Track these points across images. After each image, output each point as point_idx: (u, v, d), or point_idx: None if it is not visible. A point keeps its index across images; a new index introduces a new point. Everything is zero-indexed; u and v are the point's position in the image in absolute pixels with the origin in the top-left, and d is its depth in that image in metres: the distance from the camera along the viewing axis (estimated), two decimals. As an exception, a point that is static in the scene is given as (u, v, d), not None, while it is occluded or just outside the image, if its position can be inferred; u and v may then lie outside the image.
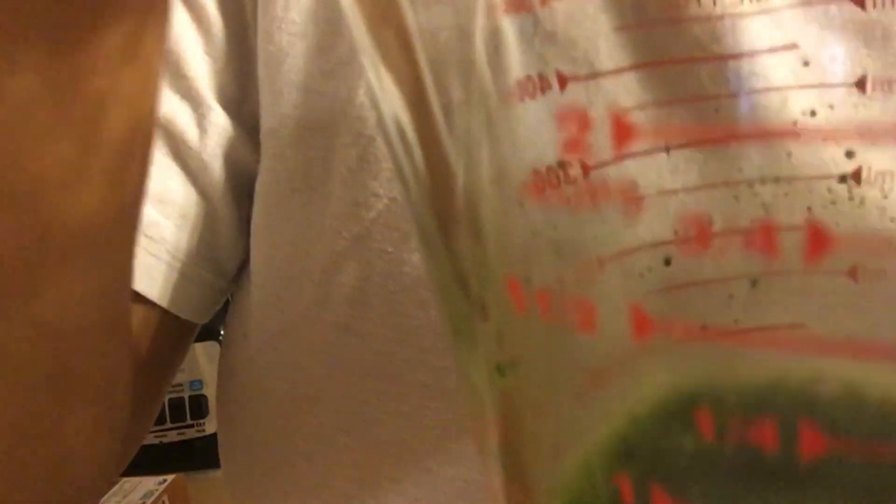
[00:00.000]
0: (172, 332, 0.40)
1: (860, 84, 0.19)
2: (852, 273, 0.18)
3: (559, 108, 0.17)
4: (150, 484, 1.03)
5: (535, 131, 0.17)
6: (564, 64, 0.20)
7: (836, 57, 0.20)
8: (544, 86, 0.18)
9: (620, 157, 0.17)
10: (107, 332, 0.30)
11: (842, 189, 0.19)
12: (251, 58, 0.38)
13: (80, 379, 0.29)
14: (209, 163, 0.39)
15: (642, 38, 0.19)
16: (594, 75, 0.19)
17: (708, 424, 0.14)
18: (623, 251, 0.18)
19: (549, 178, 0.16)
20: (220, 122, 0.39)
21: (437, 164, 0.16)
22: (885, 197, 0.19)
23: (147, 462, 1.11)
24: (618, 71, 0.19)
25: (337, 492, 0.37)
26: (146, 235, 0.38)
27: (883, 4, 0.20)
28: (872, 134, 0.19)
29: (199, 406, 1.17)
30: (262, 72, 0.37)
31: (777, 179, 0.19)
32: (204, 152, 0.39)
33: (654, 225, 0.18)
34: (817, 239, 0.13)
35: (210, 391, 1.16)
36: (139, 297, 0.38)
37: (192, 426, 1.17)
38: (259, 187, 0.38)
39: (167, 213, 0.38)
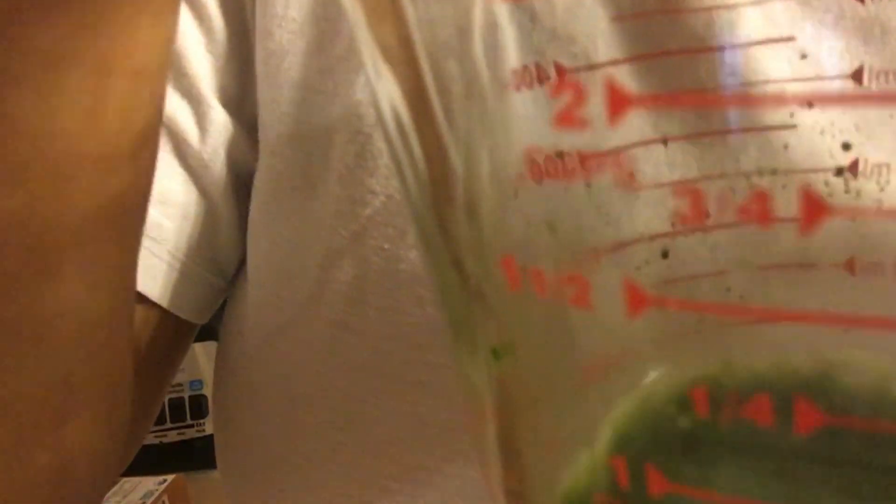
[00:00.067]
0: (172, 332, 0.40)
1: (857, 76, 0.19)
2: (849, 265, 0.18)
3: (556, 83, 0.17)
4: (150, 484, 1.03)
5: (530, 120, 0.17)
6: (563, 56, 0.20)
7: (834, 50, 0.20)
8: (542, 76, 0.18)
9: (616, 149, 0.17)
10: (114, 328, 0.30)
11: (838, 182, 0.19)
12: (251, 56, 0.38)
13: (81, 385, 0.29)
14: (210, 162, 0.39)
15: (638, 29, 0.19)
16: (592, 67, 0.19)
17: (703, 403, 0.14)
18: (619, 243, 0.18)
19: (546, 168, 0.16)
20: (220, 121, 0.39)
21: (436, 158, 0.16)
22: (882, 189, 0.19)
23: (147, 462, 1.11)
24: (614, 63, 0.19)
25: (334, 490, 0.37)
26: (148, 236, 0.38)
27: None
28: (869, 126, 0.19)
29: (199, 406, 1.17)
30: (260, 69, 0.37)
31: (774, 171, 0.19)
32: (205, 151, 0.39)
33: (651, 217, 0.18)
34: (812, 209, 0.13)
35: (210, 391, 1.16)
36: (140, 297, 0.38)
37: (192, 426, 1.17)
38: (257, 184, 0.38)
39: (168, 214, 0.38)
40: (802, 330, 0.15)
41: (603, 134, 0.15)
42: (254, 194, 0.39)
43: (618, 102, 0.14)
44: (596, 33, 0.20)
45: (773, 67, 0.19)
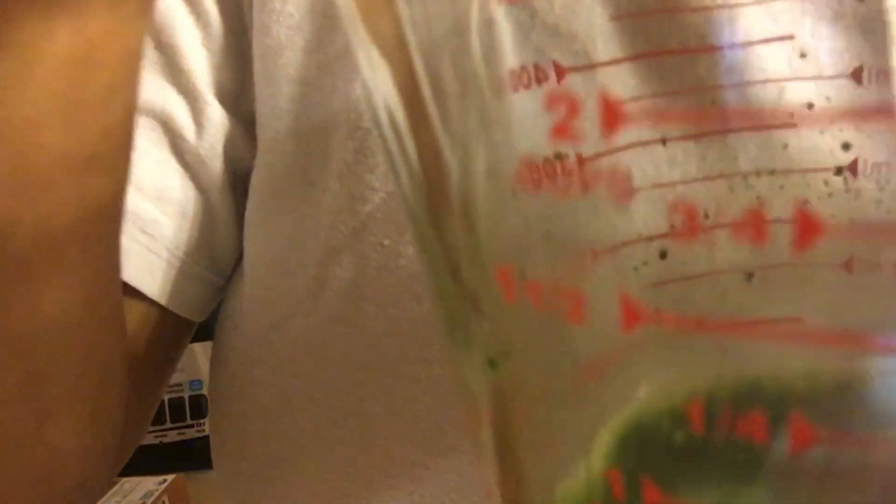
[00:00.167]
0: (171, 329, 0.40)
1: (856, 74, 0.19)
2: (848, 265, 0.18)
3: (551, 92, 0.17)
4: (150, 484, 1.03)
5: (528, 122, 0.17)
6: (562, 55, 0.20)
7: (833, 48, 0.20)
8: (540, 76, 0.18)
9: (614, 149, 0.17)
10: (96, 330, 0.30)
11: (838, 181, 0.19)
12: (249, 53, 0.38)
13: (61, 383, 0.29)
14: (207, 158, 0.39)
15: (638, 28, 0.19)
16: (591, 66, 0.19)
17: (699, 418, 0.14)
18: (618, 244, 0.18)
19: (544, 169, 0.16)
20: (217, 117, 0.39)
21: (430, 157, 0.16)
22: (882, 189, 0.19)
23: (147, 462, 1.10)
24: (614, 62, 0.19)
25: (330, 486, 0.37)
26: (146, 233, 0.38)
27: (879, -4, 0.20)
28: (869, 125, 0.19)
29: (199, 406, 1.17)
30: (258, 65, 0.37)
31: (773, 171, 0.19)
32: (202, 148, 0.39)
33: (649, 217, 0.18)
34: (807, 228, 0.13)
35: (210, 391, 1.16)
36: (138, 295, 0.38)
37: (192, 426, 1.17)
38: (254, 181, 0.38)
39: (166, 211, 0.38)
40: (798, 345, 0.15)
41: (599, 141, 0.15)
42: (251, 191, 0.39)
43: (612, 117, 0.14)
44: (595, 31, 0.20)
45: (773, 66, 0.19)
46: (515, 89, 0.17)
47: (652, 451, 0.15)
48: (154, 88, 0.38)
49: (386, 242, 0.34)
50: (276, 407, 0.38)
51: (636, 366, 0.16)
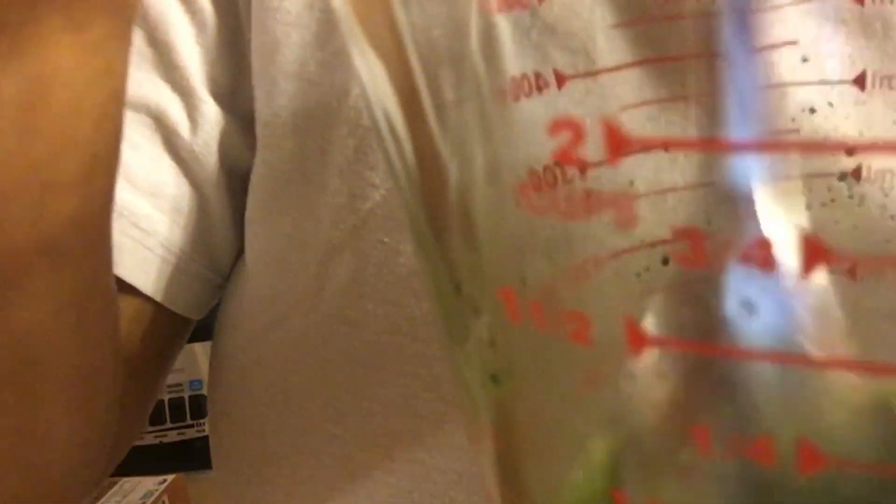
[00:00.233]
0: (167, 326, 0.40)
1: (859, 81, 0.19)
2: (851, 272, 0.17)
3: (553, 114, 0.17)
4: (150, 484, 1.03)
5: (530, 130, 0.17)
6: (562, 56, 0.20)
7: (835, 53, 0.20)
8: (541, 84, 0.17)
9: (622, 157, 0.17)
10: (80, 329, 0.30)
11: (841, 187, 0.19)
12: (245, 49, 0.38)
13: (49, 373, 0.30)
14: (202, 155, 0.39)
15: (640, 34, 0.19)
16: (592, 73, 0.18)
17: (705, 440, 0.14)
18: (620, 250, 0.18)
19: (546, 178, 0.16)
20: (212, 114, 0.39)
21: (428, 161, 0.16)
22: (886, 195, 0.19)
23: (147, 462, 1.10)
24: (616, 69, 0.19)
25: (327, 484, 0.37)
26: (139, 228, 0.38)
27: (882, 0, 0.20)
28: (873, 131, 0.19)
29: (199, 406, 1.17)
30: (256, 62, 0.37)
31: (777, 177, 0.19)
32: (196, 144, 0.38)
33: (651, 224, 0.18)
34: (814, 253, 0.12)
35: (210, 391, 1.15)
36: (132, 290, 0.38)
37: (192, 426, 1.17)
38: (254, 179, 0.38)
39: (160, 206, 0.38)
40: (805, 369, 0.15)
41: (603, 162, 0.14)
42: (251, 189, 0.38)
43: (617, 145, 0.14)
44: (597, 38, 0.20)
45: (776, 72, 0.19)
46: (517, 98, 0.16)
47: (657, 471, 0.15)
48: (148, 85, 0.38)
49: (386, 240, 0.34)
50: (275, 405, 0.38)
51: (638, 385, 0.16)
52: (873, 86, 0.19)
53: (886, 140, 0.15)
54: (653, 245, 0.18)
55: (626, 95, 0.19)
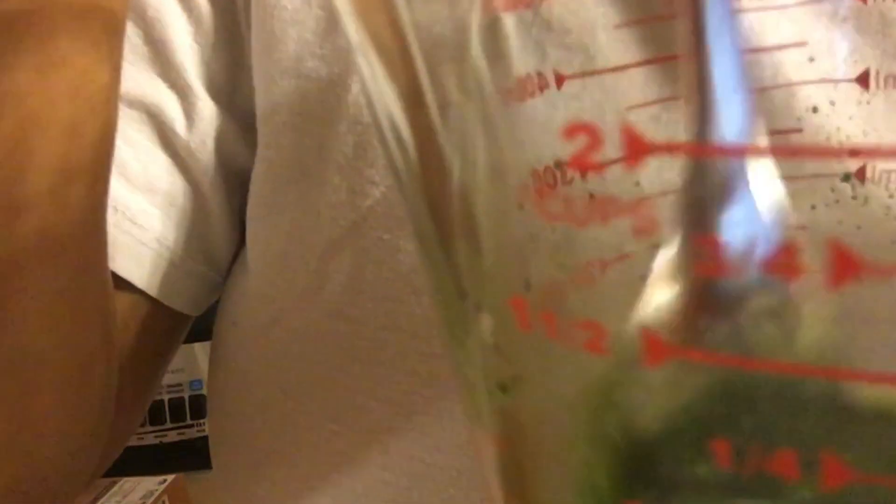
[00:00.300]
0: (163, 322, 0.40)
1: (862, 80, 0.19)
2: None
3: (564, 113, 0.16)
4: (150, 484, 1.03)
5: (535, 132, 0.17)
6: (558, 54, 0.20)
7: (839, 52, 0.20)
8: (542, 84, 0.17)
9: (621, 159, 0.16)
10: (75, 319, 0.30)
11: (845, 188, 0.19)
12: (242, 47, 0.38)
13: (44, 362, 0.30)
14: (198, 152, 0.39)
15: (644, 34, 0.19)
16: (592, 73, 0.18)
17: (724, 453, 0.14)
18: (625, 253, 0.17)
19: (548, 180, 0.16)
20: (208, 111, 0.39)
21: (432, 161, 0.16)
22: (891, 196, 0.19)
23: (147, 462, 1.10)
24: (619, 69, 0.19)
25: (326, 480, 0.37)
26: (134, 223, 0.38)
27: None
28: (878, 132, 0.19)
29: (199, 406, 1.17)
30: (254, 60, 0.37)
31: (781, 178, 0.18)
32: (192, 141, 0.39)
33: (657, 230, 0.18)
34: (844, 263, 0.12)
35: (210, 391, 1.15)
36: (128, 286, 0.38)
37: (192, 426, 1.17)
38: (254, 176, 0.38)
39: (155, 202, 0.38)
40: (828, 380, 0.14)
41: (619, 169, 0.14)
42: (252, 186, 0.38)
43: (636, 150, 0.13)
44: (599, 36, 0.20)
45: (782, 71, 0.19)
46: (522, 98, 0.16)
47: (672, 484, 0.15)
48: (145, 82, 0.38)
49: (385, 237, 0.34)
50: (273, 401, 0.38)
51: (653, 395, 0.15)
52: (877, 85, 0.19)
53: (891, 145, 0.14)
54: (656, 247, 0.18)
55: (629, 95, 0.19)
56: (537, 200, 0.16)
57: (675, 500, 0.15)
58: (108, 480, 1.01)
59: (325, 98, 0.35)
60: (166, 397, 1.17)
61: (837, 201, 0.19)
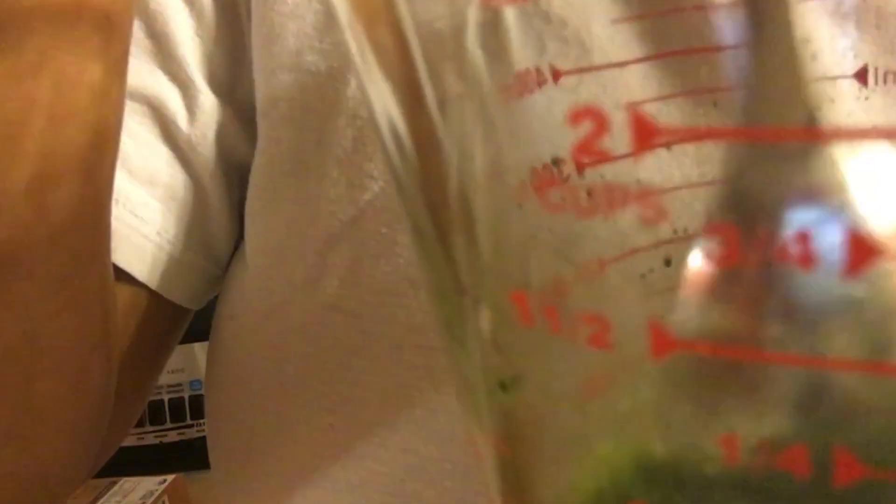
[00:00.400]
0: (163, 315, 0.40)
1: (861, 76, 0.19)
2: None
3: (567, 105, 0.16)
4: (150, 484, 1.03)
5: (535, 128, 0.17)
6: (556, 47, 0.20)
7: (839, 48, 0.20)
8: (540, 80, 0.17)
9: (618, 157, 0.16)
10: (76, 306, 0.30)
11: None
12: (243, 41, 0.38)
13: (45, 347, 0.30)
14: (198, 145, 0.39)
15: (642, 29, 0.19)
16: (590, 68, 0.18)
17: (734, 450, 0.13)
18: (624, 253, 0.17)
19: (546, 177, 0.16)
20: (209, 104, 0.39)
21: (429, 158, 0.16)
22: (891, 193, 0.19)
23: (147, 462, 1.10)
24: (618, 65, 0.18)
25: (322, 473, 0.37)
26: (135, 215, 0.38)
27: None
28: (876, 129, 0.18)
29: (199, 406, 1.17)
30: (255, 54, 0.37)
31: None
32: (193, 135, 0.39)
33: (660, 224, 0.18)
34: (863, 249, 0.12)
35: (210, 391, 1.15)
36: (129, 278, 0.38)
37: (192, 426, 1.17)
38: (253, 170, 0.38)
39: (156, 195, 0.38)
40: (836, 372, 0.14)
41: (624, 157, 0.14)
42: (251, 180, 0.39)
43: (646, 135, 0.13)
44: (598, 32, 0.20)
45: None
46: (521, 94, 0.16)
47: (679, 482, 0.15)
48: (146, 74, 0.38)
49: (384, 230, 0.34)
50: (270, 394, 0.38)
51: (657, 390, 0.15)
52: (875, 81, 0.19)
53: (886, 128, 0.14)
54: (656, 246, 0.18)
55: (628, 91, 0.19)
56: (537, 198, 0.16)
57: (682, 500, 0.15)
58: (108, 480, 1.01)
59: (324, 92, 0.35)
60: (166, 397, 1.17)
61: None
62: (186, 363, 1.16)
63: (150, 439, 1.17)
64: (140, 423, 1.16)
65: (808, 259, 0.13)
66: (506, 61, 0.17)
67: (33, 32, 0.25)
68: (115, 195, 0.34)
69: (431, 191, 0.16)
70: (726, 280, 0.15)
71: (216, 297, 0.43)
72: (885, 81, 0.19)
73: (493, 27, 0.17)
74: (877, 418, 0.14)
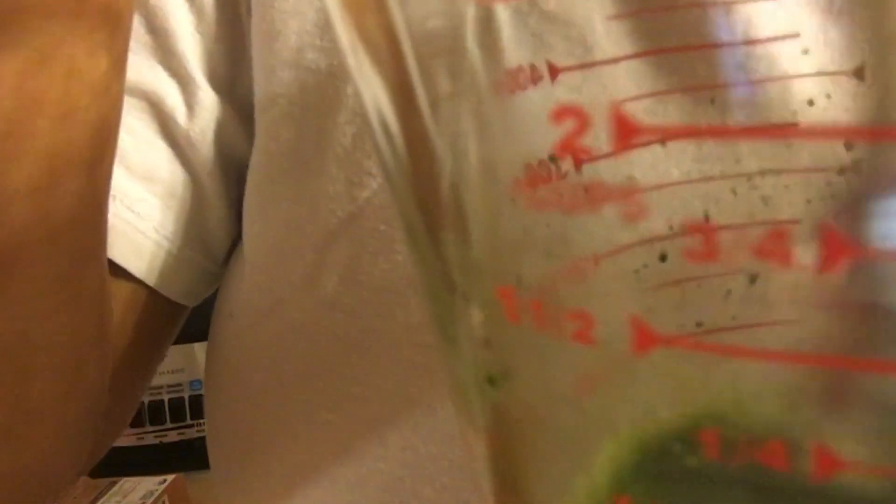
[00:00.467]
0: (159, 312, 0.40)
1: (858, 72, 0.19)
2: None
3: (555, 103, 0.16)
4: (150, 484, 1.03)
5: (527, 124, 0.17)
6: (562, 45, 0.20)
7: (835, 43, 0.19)
8: (535, 77, 0.17)
9: (613, 153, 0.16)
10: (72, 304, 0.30)
11: (841, 182, 0.19)
12: (244, 38, 0.38)
13: (41, 346, 0.30)
14: (197, 142, 0.39)
15: (638, 25, 0.19)
16: (587, 65, 0.18)
17: (713, 445, 0.13)
18: (619, 247, 0.17)
19: (542, 173, 0.16)
20: (209, 101, 0.39)
21: (421, 155, 0.16)
22: (887, 189, 0.19)
23: (147, 462, 1.10)
24: (613, 61, 0.18)
25: (321, 471, 0.37)
26: (133, 211, 0.38)
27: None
28: (872, 124, 0.18)
29: (199, 406, 1.17)
30: (255, 51, 0.37)
31: (776, 172, 0.18)
32: (192, 131, 0.39)
33: (649, 220, 0.18)
34: (836, 247, 0.12)
35: (210, 391, 1.15)
36: (126, 275, 0.38)
37: (192, 426, 1.17)
38: (252, 167, 0.38)
39: (154, 191, 0.38)
40: (816, 369, 0.14)
41: (606, 152, 0.14)
42: (249, 177, 0.39)
43: (626, 133, 0.13)
44: (596, 28, 0.19)
45: (776, 64, 0.19)
46: (513, 91, 0.16)
47: (662, 476, 0.15)
48: (146, 70, 0.38)
49: (383, 228, 0.34)
50: (269, 392, 0.38)
51: (643, 386, 0.15)
52: (873, 78, 0.19)
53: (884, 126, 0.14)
54: (651, 241, 0.18)
55: (623, 88, 0.19)
56: (535, 192, 0.16)
57: (666, 493, 0.15)
58: (107, 480, 1.01)
59: (324, 89, 0.35)
60: (166, 397, 1.17)
61: (833, 196, 0.19)
62: (186, 363, 1.15)
63: (150, 439, 1.16)
64: (140, 423, 1.16)
65: (783, 256, 0.13)
66: (501, 58, 0.17)
67: (40, 25, 0.25)
68: (112, 191, 0.34)
69: (422, 187, 0.16)
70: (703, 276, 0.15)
71: (215, 296, 0.43)
72: (880, 77, 0.19)
73: (486, 24, 0.17)
74: (856, 414, 0.15)
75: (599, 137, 0.14)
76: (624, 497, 0.15)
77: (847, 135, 0.18)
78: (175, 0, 0.38)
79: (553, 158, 0.16)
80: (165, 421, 1.17)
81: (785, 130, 0.17)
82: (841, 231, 0.12)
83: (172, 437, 1.17)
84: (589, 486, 0.15)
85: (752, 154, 0.19)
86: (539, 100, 0.17)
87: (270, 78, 0.36)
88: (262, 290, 0.38)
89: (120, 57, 0.29)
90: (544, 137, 0.16)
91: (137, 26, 0.38)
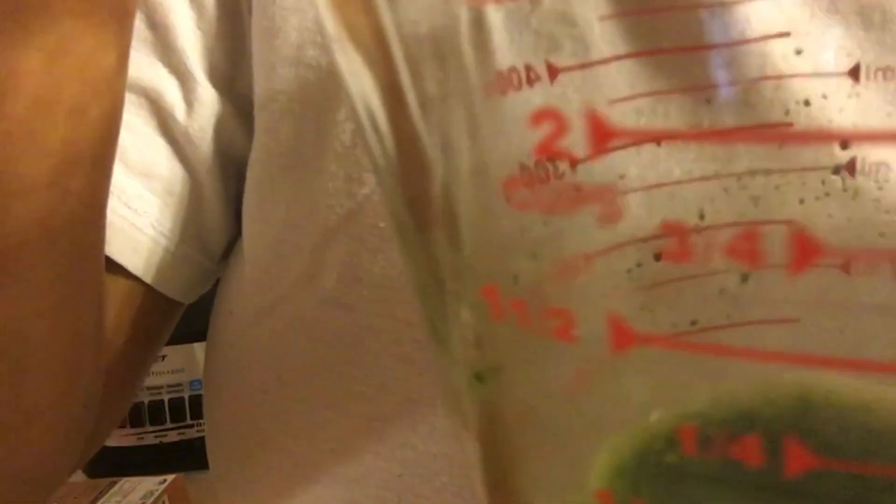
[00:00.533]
0: (156, 308, 0.40)
1: (853, 73, 0.19)
2: (845, 266, 0.17)
3: (550, 104, 0.16)
4: (150, 484, 1.03)
5: (519, 125, 0.17)
6: (567, 43, 0.20)
7: (829, 44, 0.19)
8: (532, 77, 0.17)
9: (607, 151, 0.16)
10: (68, 303, 0.30)
11: (835, 181, 0.19)
12: (244, 36, 0.38)
13: (36, 344, 0.30)
14: (196, 138, 0.39)
15: (632, 26, 0.19)
16: (587, 65, 0.18)
17: (691, 441, 0.14)
18: (611, 246, 0.17)
19: (536, 173, 0.16)
20: (208, 98, 0.39)
21: (411, 156, 0.16)
22: (881, 188, 0.19)
23: (147, 462, 1.10)
24: (606, 61, 0.18)
25: (320, 468, 0.37)
26: (130, 207, 0.38)
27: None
28: (868, 125, 0.18)
29: (199, 406, 1.17)
30: (255, 48, 0.37)
31: (768, 172, 0.18)
32: (191, 128, 0.39)
33: (642, 219, 0.18)
34: (804, 248, 0.12)
35: (210, 391, 1.15)
36: (122, 271, 0.38)
37: (192, 426, 1.17)
38: (251, 163, 0.38)
39: (152, 188, 0.38)
40: (792, 367, 0.14)
41: (587, 154, 0.14)
42: (248, 172, 0.38)
43: (602, 137, 0.13)
44: (591, 27, 0.19)
45: (769, 64, 0.19)
46: (504, 92, 0.16)
47: (643, 472, 0.15)
48: (145, 66, 0.38)
49: (381, 224, 0.34)
50: (269, 389, 0.38)
51: (625, 384, 0.15)
52: (868, 78, 0.19)
53: (881, 129, 0.14)
54: (644, 240, 0.18)
55: (618, 88, 0.19)
56: (519, 194, 0.16)
57: (647, 488, 0.15)
58: (108, 480, 1.01)
59: (324, 86, 0.35)
60: (166, 397, 1.17)
61: (828, 194, 0.19)
62: (186, 363, 1.15)
63: (150, 439, 1.16)
64: (140, 423, 1.16)
65: (754, 256, 0.13)
66: (490, 60, 0.17)
67: (55, 22, 0.25)
68: (110, 187, 0.34)
69: (412, 186, 0.16)
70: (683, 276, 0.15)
71: (214, 296, 0.43)
72: (875, 78, 0.19)
73: (478, 26, 0.17)
74: (826, 409, 0.15)
75: (582, 142, 0.14)
76: (607, 492, 0.15)
77: (840, 137, 0.18)
78: None
79: (542, 159, 0.16)
80: (165, 421, 1.17)
81: (773, 134, 0.17)
82: (809, 233, 0.12)
83: (172, 437, 1.17)
84: (573, 482, 0.15)
85: (747, 154, 0.19)
86: (537, 99, 0.17)
87: (270, 75, 0.36)
88: (261, 287, 0.38)
89: (125, 52, 0.29)
90: (535, 139, 0.16)
91: (138, 22, 0.38)
